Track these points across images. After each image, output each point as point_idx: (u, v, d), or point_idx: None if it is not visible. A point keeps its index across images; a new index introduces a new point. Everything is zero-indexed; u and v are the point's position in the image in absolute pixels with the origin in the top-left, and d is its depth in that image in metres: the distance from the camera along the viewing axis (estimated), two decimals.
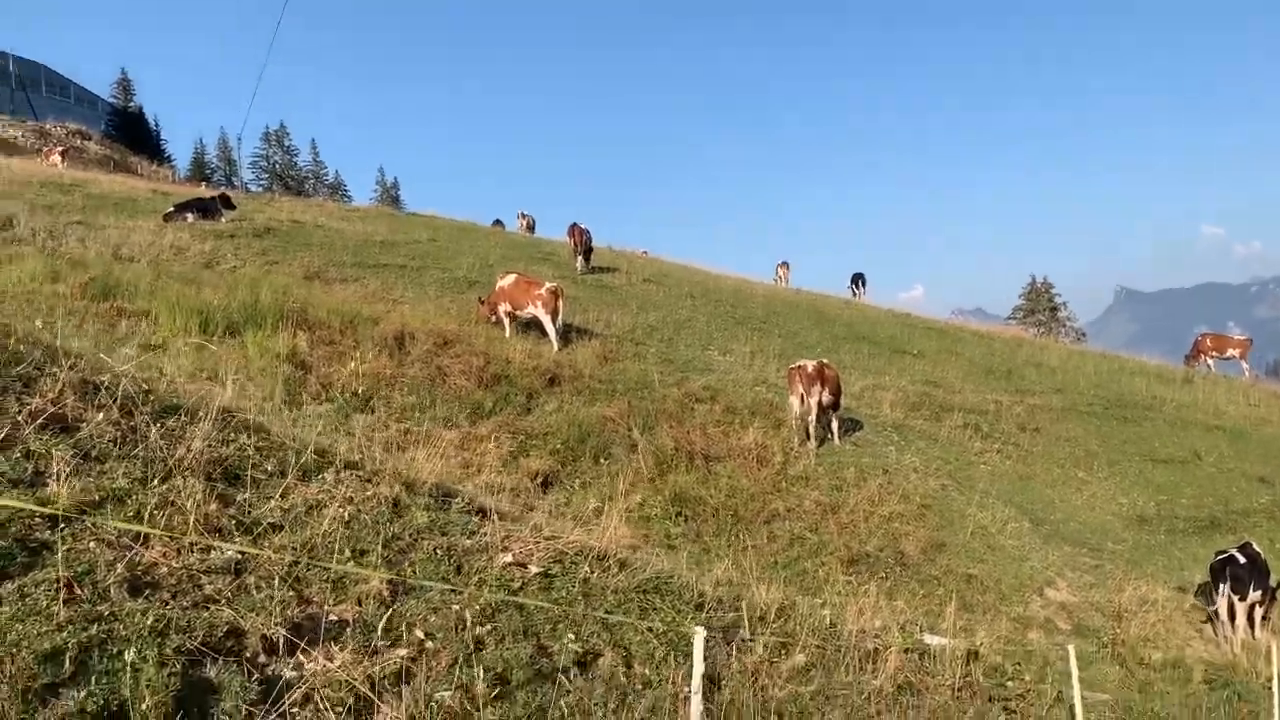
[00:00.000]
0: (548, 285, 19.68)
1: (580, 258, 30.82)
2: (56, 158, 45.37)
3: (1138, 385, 29.18)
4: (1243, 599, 13.66)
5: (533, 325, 19.93)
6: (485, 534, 6.21)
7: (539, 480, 12.21)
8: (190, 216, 27.52)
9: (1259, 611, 13.91)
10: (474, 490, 10.20)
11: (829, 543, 13.10)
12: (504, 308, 20.12)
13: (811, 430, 16.84)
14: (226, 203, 29.99)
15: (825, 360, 17.78)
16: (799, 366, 17.21)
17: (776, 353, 23.08)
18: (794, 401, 17.10)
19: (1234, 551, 14.22)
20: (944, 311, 52.69)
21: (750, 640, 6.89)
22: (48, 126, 69.51)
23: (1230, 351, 35.86)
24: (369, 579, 5.14)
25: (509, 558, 5.81)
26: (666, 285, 30.14)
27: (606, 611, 6.11)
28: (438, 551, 5.82)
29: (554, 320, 19.34)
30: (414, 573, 5.44)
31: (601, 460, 13.39)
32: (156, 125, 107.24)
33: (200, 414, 5.99)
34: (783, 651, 7.10)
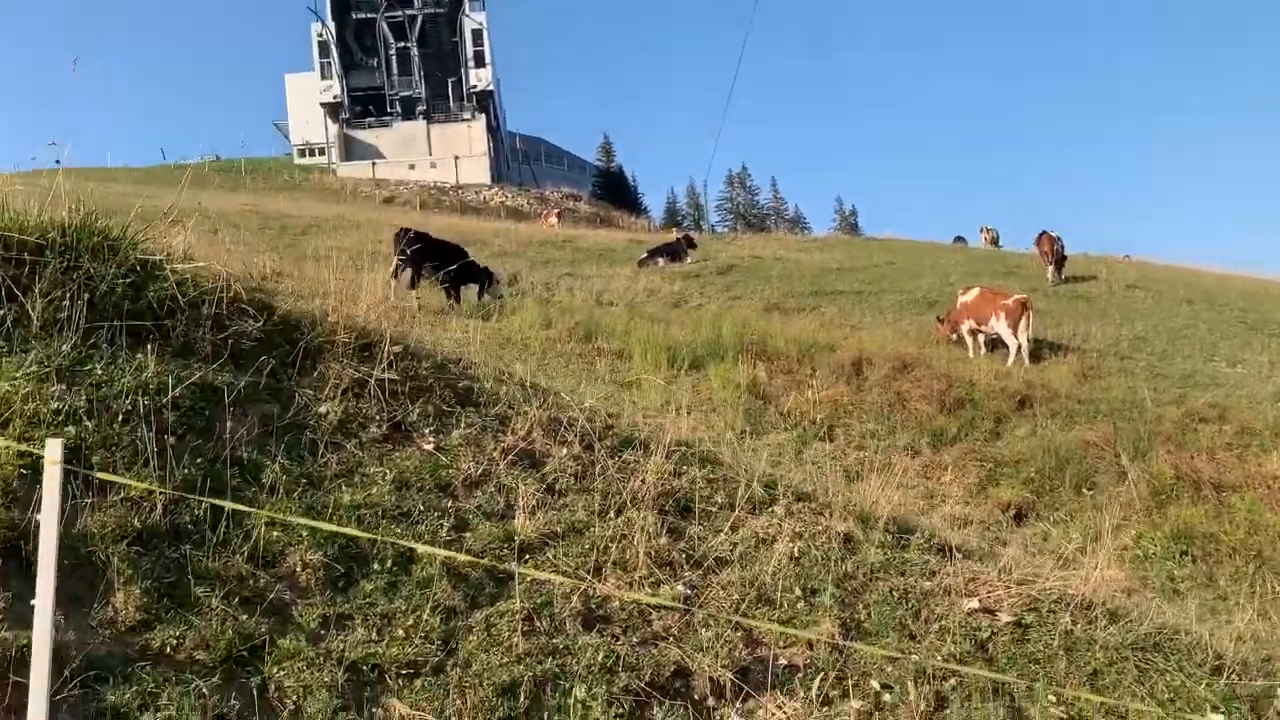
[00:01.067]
0: (1015, 296, 18.29)
1: (1052, 268, 28.56)
2: (554, 219, 51.48)
3: None
4: None
5: (999, 345, 18.63)
6: (947, 575, 5.60)
7: (1010, 512, 11.14)
8: (661, 261, 29.64)
9: None
10: (935, 524, 9.55)
11: None
12: (967, 325, 19.06)
13: None
14: (689, 243, 31.92)
15: None
16: None
17: None
18: None
19: None
20: None
21: None
22: (546, 193, 79.27)
23: None
24: (820, 621, 4.81)
25: (975, 603, 5.17)
26: (1155, 290, 26.79)
27: (1094, 671, 5.20)
28: (894, 593, 5.33)
29: (1020, 335, 17.90)
30: (868, 616, 5.03)
31: (1084, 491, 11.93)
32: (634, 181, 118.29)
33: (653, 446, 6.09)
34: None
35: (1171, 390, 17.00)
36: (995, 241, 45.70)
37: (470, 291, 19.01)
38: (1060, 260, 28.78)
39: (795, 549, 5.44)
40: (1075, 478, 12.17)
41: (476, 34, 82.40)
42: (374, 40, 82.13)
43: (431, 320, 13.75)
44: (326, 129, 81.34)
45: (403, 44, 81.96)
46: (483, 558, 4.67)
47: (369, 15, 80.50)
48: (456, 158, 79.60)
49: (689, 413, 12.67)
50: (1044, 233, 28.73)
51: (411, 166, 78.44)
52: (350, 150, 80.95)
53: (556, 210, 56.11)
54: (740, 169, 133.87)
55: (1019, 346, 17.96)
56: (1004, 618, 5.11)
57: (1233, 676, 6.33)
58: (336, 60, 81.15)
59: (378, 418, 5.84)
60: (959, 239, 48.81)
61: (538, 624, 4.43)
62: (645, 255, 30.12)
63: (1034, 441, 12.88)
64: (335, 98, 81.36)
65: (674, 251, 30.88)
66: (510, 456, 5.72)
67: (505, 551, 4.83)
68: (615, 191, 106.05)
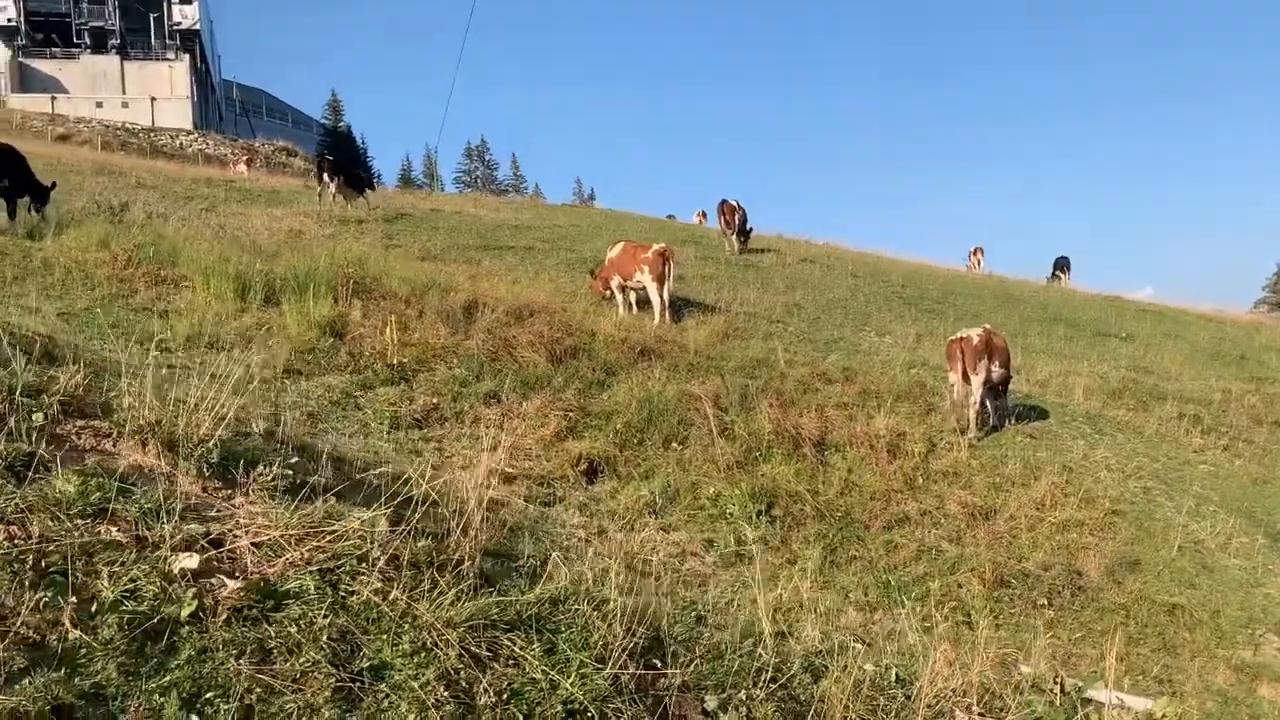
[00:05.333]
0: (655, 247, 17.18)
1: (735, 238, 28.01)
2: (242, 167, 47.06)
3: None
4: None
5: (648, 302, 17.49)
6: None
7: (581, 466, 9.68)
8: (336, 183, 26.92)
9: None
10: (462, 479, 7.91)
11: (972, 557, 9.90)
12: (615, 280, 17.81)
13: (974, 415, 13.54)
14: (369, 183, 29.26)
15: (991, 327, 14.37)
16: (962, 337, 13.92)
17: (949, 335, 19.63)
18: (953, 380, 13.87)
19: None
20: None
21: None
22: (255, 144, 73.18)
23: None
24: None
25: (193, 562, 3.37)
26: (827, 265, 27.00)
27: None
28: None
29: (661, 287, 16.82)
30: None
31: (674, 445, 10.71)
32: (363, 143, 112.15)
33: None
34: None
35: (811, 353, 16.48)
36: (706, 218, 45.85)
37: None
38: (743, 231, 28.38)
39: None
40: (668, 431, 10.94)
41: None
42: None
43: None
44: None
45: None
46: None
47: None
48: (154, 99, 72.09)
49: (231, 349, 10.48)
50: (724, 201, 28.14)
51: (99, 105, 70.18)
52: (25, 81, 71.36)
53: (246, 158, 51.47)
54: (479, 141, 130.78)
55: (662, 303, 16.88)
56: (232, 587, 3.32)
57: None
58: None
59: None
60: (670, 217, 48.78)
61: None
62: (316, 170, 27.41)
63: (630, 392, 11.55)
64: (10, 21, 71.42)
65: (356, 181, 28.15)
66: None
67: None
68: (342, 151, 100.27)
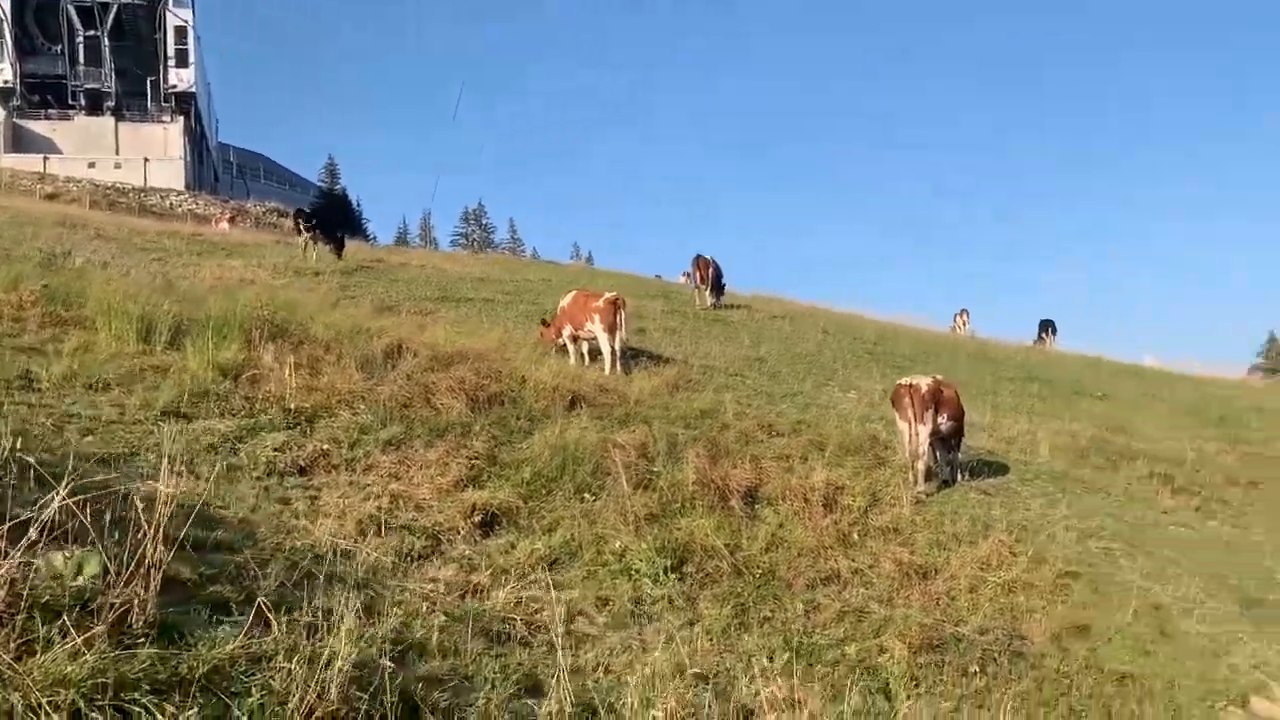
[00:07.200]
0: (606, 295, 16.60)
1: (708, 293, 27.60)
2: (225, 225, 47.05)
3: None
4: None
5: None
6: None
7: (476, 517, 8.90)
8: (313, 233, 26.56)
9: None
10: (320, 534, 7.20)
11: (902, 619, 9.08)
12: (567, 330, 17.21)
13: (921, 468, 12.81)
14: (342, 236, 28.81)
15: (942, 378, 13.69)
16: (910, 384, 13.23)
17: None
18: (902, 427, 13.17)
19: None
20: None
21: None
22: (247, 205, 73.42)
23: None
24: None
25: None
26: (797, 321, 26.42)
27: None
28: None
29: (613, 336, 16.19)
30: None
31: (586, 496, 9.95)
32: (359, 206, 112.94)
33: None
34: None
35: (764, 406, 15.79)
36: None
37: None
38: (718, 286, 27.99)
39: None
40: (580, 482, 10.19)
41: (180, 31, 76.07)
42: (58, 25, 73.48)
43: None
44: None
45: (92, 32, 74.02)
46: None
47: None
48: (146, 159, 72.43)
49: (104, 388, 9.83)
50: (699, 256, 27.86)
51: (92, 165, 70.43)
52: (19, 141, 71.92)
53: (230, 215, 51.54)
54: (477, 205, 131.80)
55: (613, 352, 16.24)
56: None
57: None
58: (10, 41, 71.87)
59: None
60: (657, 276, 48.59)
61: None
62: (298, 220, 27.17)
63: (546, 441, 10.82)
64: (6, 82, 72.11)
65: (331, 227, 27.77)
66: None
67: None
68: (334, 213, 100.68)
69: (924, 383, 13.12)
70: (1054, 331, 38.86)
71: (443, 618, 5.64)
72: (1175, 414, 22.18)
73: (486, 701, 3.93)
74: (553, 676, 4.89)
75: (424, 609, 5.93)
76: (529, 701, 4.56)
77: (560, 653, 4.72)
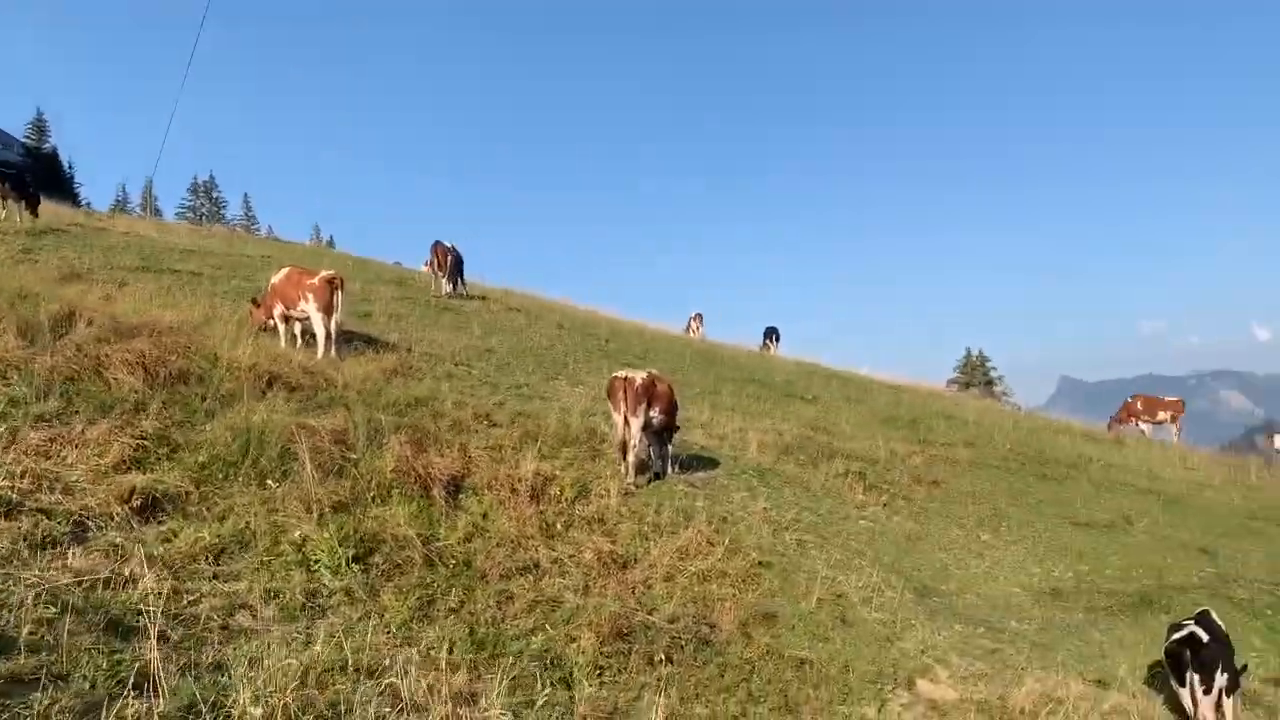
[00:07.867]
0: (322, 274, 15.70)
1: (445, 280, 26.88)
2: None
3: (1062, 443, 25.61)
4: (1208, 691, 9.75)
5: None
6: None
7: (135, 502, 8.02)
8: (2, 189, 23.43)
9: (1227, 702, 9.92)
10: None
11: (595, 609, 9.03)
12: (278, 309, 16.11)
13: (632, 460, 12.91)
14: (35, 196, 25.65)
15: (657, 373, 13.88)
16: (625, 377, 13.30)
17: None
18: (616, 419, 13.22)
19: (1194, 627, 10.30)
20: None
21: None
22: None
23: (1161, 415, 32.32)
24: None
25: None
26: (533, 315, 26.25)
27: None
28: None
29: (328, 318, 15.32)
30: None
31: (269, 483, 9.24)
32: (71, 168, 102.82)
33: None
34: None
35: (486, 397, 15.44)
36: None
37: None
38: (456, 274, 27.35)
39: None
40: (264, 468, 9.45)
41: None
42: None
43: None
44: None
45: None
46: None
47: None
48: None
49: None
50: (438, 242, 27.11)
51: None
52: None
53: None
54: (209, 177, 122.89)
55: (327, 334, 15.35)
56: None
57: None
58: None
59: None
60: (397, 263, 47.13)
61: None
62: None
63: (229, 423, 9.98)
64: None
65: (21, 182, 24.54)
66: None
67: None
68: (45, 176, 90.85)
69: (639, 376, 13.25)
70: (778, 338, 40.94)
71: (52, 611, 4.92)
72: (871, 417, 23.86)
73: (52, 704, 3.35)
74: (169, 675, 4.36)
75: (29, 600, 5.16)
76: (132, 701, 4.00)
77: (155, 650, 4.17)
